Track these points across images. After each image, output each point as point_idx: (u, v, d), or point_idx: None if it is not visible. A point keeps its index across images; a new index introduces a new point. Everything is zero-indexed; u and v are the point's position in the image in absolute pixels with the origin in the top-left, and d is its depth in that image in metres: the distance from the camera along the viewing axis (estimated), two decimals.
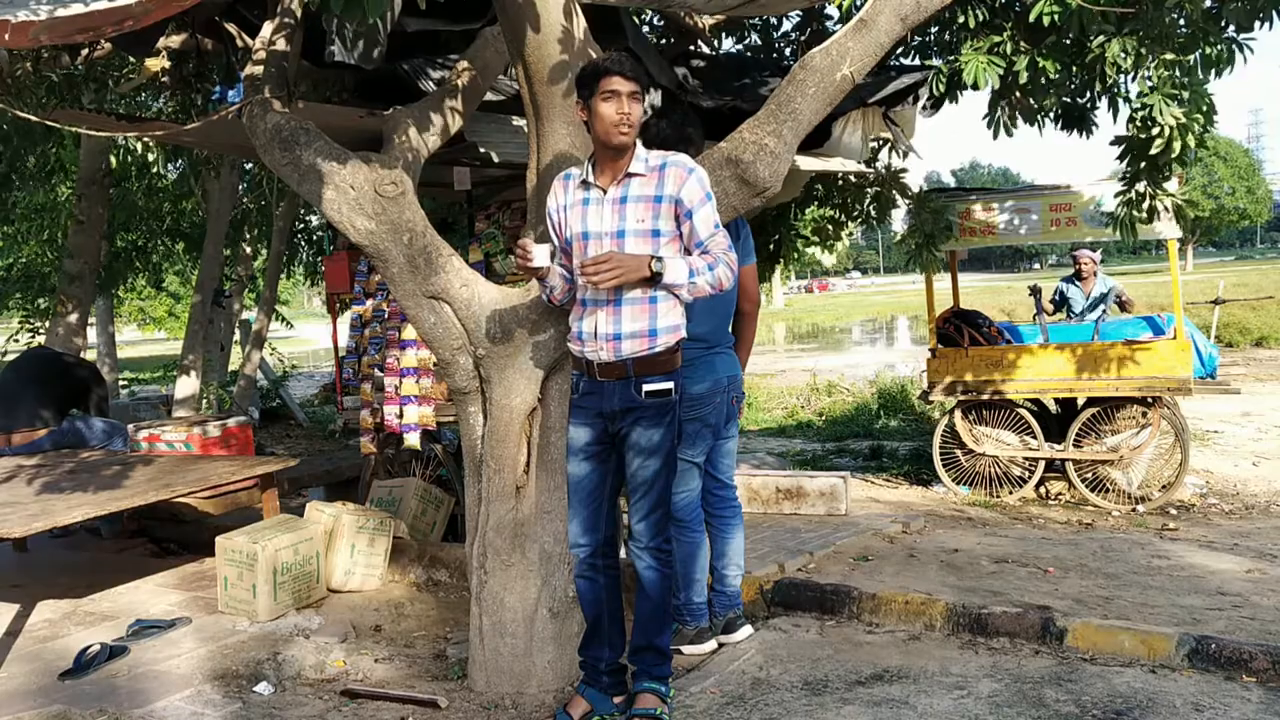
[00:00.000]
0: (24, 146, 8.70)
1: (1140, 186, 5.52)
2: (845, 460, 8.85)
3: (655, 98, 5.13)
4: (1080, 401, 7.05)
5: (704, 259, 2.93)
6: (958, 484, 7.19)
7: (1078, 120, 5.58)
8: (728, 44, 7.29)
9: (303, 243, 13.86)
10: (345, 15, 2.74)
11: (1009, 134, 5.44)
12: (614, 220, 2.99)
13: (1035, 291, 7.66)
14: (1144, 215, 5.61)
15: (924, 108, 6.10)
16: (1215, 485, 7.49)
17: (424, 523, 5.46)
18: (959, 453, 7.23)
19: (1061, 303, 8.26)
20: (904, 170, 7.27)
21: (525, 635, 3.47)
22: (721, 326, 3.90)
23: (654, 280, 2.90)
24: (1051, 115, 5.51)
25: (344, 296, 6.30)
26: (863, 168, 6.96)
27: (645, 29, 7.03)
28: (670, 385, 3.07)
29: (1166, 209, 5.64)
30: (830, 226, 7.74)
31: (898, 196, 7.29)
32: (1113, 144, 5.46)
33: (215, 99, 6.01)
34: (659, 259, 2.89)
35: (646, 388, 3.04)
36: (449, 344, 3.50)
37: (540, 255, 2.99)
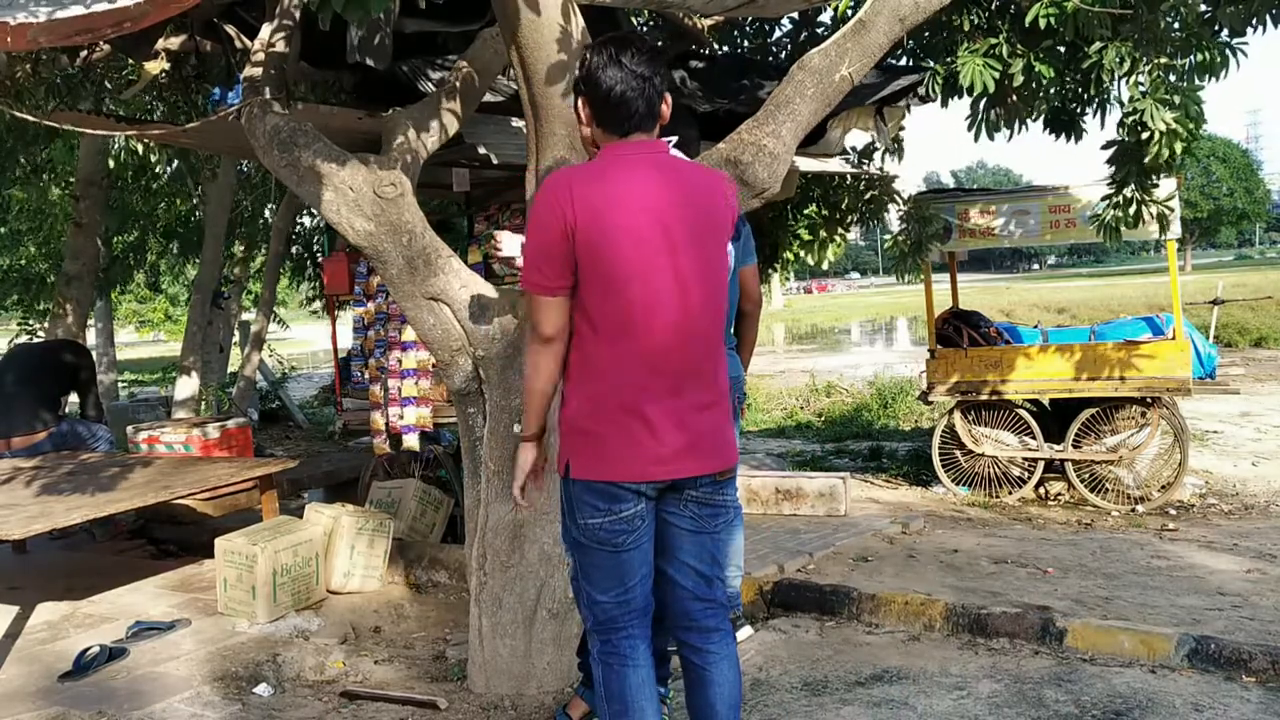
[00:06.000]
0: (18, 148, 8.70)
1: (1128, 191, 5.52)
2: (844, 461, 8.85)
3: None
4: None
5: None
6: (957, 484, 7.19)
7: (1067, 125, 5.57)
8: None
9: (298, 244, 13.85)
10: (346, 14, 2.73)
11: (990, 138, 5.45)
12: None
13: None
14: (1130, 219, 5.61)
15: (918, 99, 6.10)
16: (1215, 485, 7.49)
17: (423, 524, 5.46)
18: (958, 453, 7.22)
19: None
20: (895, 177, 7.28)
21: (524, 636, 3.47)
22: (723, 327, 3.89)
23: None
24: (1041, 119, 5.51)
25: (343, 298, 6.30)
26: (854, 168, 6.97)
27: (643, 30, 7.03)
28: None
29: (1152, 214, 5.65)
30: (824, 229, 7.75)
31: (889, 201, 7.32)
32: (1104, 148, 5.46)
33: (214, 100, 6.01)
34: None
35: None
36: (448, 345, 3.50)
37: (509, 245, 3.00)
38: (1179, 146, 4.81)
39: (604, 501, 2.39)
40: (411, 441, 5.29)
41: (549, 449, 2.49)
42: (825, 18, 6.66)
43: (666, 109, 2.47)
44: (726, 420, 2.51)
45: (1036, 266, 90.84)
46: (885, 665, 3.64)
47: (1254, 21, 4.69)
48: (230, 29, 4.91)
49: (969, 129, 5.40)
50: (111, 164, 8.83)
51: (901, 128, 6.67)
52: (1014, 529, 6.03)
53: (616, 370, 2.36)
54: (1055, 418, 7.18)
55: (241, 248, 12.56)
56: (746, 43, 7.32)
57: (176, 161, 9.80)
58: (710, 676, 2.53)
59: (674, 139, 3.10)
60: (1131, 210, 5.56)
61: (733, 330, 4.00)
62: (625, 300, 2.33)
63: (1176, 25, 4.77)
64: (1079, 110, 5.55)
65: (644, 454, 2.36)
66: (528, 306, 2.38)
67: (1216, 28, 4.75)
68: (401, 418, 5.28)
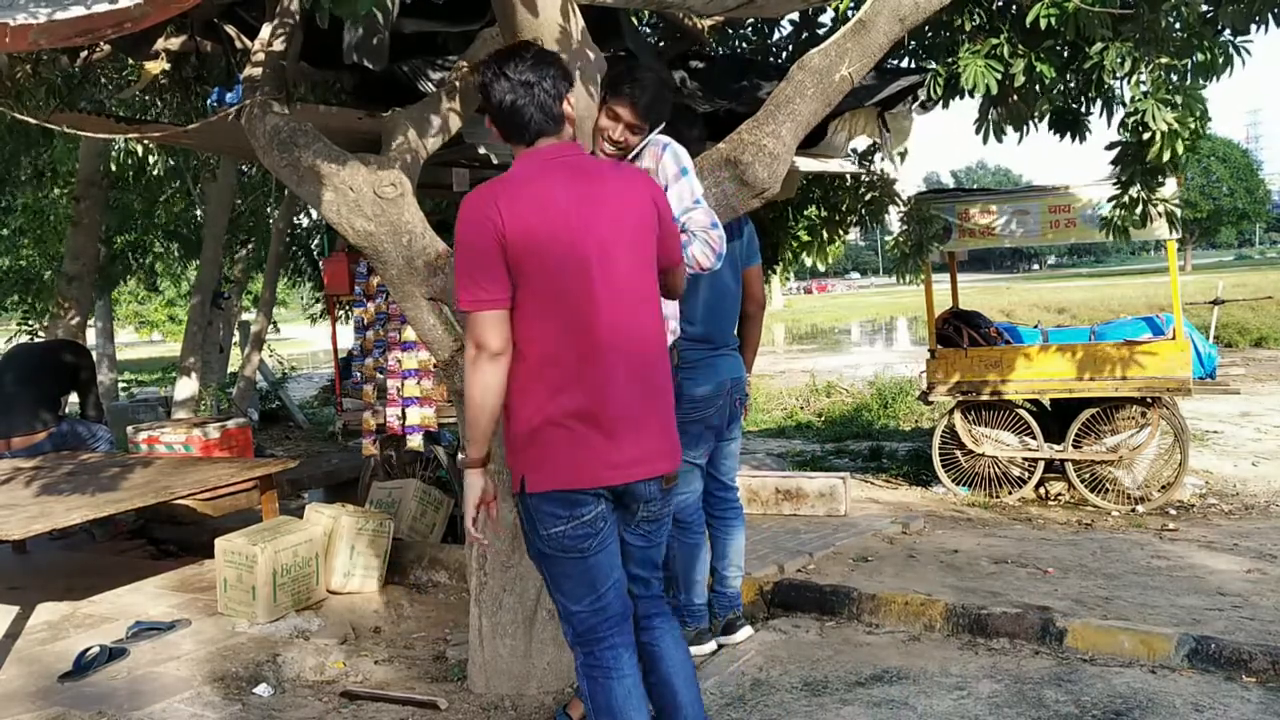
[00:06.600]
0: (20, 150, 8.70)
1: (1134, 191, 5.52)
2: (844, 461, 8.86)
3: None
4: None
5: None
6: (957, 484, 7.19)
7: (1071, 124, 5.57)
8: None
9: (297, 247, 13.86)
10: (339, 11, 2.73)
11: (999, 139, 5.44)
12: None
13: None
14: (1137, 219, 5.61)
15: (920, 106, 6.11)
16: (1215, 485, 7.49)
17: (423, 524, 5.46)
18: (958, 453, 7.23)
19: None
20: (895, 179, 7.29)
21: (524, 636, 3.47)
22: (725, 328, 3.89)
23: None
24: (1044, 119, 5.51)
25: (343, 298, 6.30)
26: (855, 168, 6.97)
27: (643, 30, 7.02)
28: None
29: (1160, 213, 5.65)
30: (825, 230, 7.75)
31: (889, 202, 7.33)
32: (1108, 149, 5.46)
33: (214, 101, 6.01)
34: None
35: None
36: (448, 345, 3.50)
37: None
38: (1180, 147, 4.80)
39: (564, 508, 2.39)
40: (416, 441, 5.30)
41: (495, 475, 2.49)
42: (826, 19, 6.65)
43: (568, 108, 2.48)
44: (670, 420, 2.51)
45: (1036, 266, 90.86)
46: (885, 665, 3.64)
47: (1256, 20, 4.67)
48: (230, 29, 4.90)
49: (976, 131, 5.40)
50: (112, 165, 8.83)
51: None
52: (1014, 529, 6.03)
53: (557, 378, 2.35)
54: (1055, 418, 7.19)
55: (244, 248, 12.50)
56: (746, 43, 7.32)
57: (173, 162, 9.77)
58: (660, 650, 2.57)
59: (665, 139, 3.12)
60: (1138, 211, 5.57)
61: (735, 331, 4.00)
62: (559, 306, 2.34)
63: (1178, 25, 4.76)
64: (1083, 110, 5.55)
65: (597, 459, 2.37)
66: (468, 326, 2.36)
67: (1219, 27, 4.74)
68: (403, 418, 5.28)
